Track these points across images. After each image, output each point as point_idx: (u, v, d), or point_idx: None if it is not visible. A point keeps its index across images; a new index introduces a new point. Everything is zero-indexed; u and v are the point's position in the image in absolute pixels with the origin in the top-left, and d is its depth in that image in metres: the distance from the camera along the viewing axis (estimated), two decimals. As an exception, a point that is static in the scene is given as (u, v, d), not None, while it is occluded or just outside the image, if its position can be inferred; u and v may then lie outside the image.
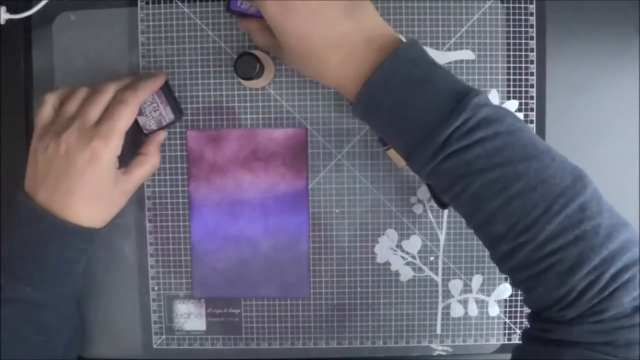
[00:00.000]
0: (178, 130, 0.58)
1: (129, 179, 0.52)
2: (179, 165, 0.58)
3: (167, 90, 0.55)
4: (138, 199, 0.58)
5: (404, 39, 0.44)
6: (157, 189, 0.59)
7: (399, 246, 0.59)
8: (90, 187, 0.49)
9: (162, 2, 0.57)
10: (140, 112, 0.54)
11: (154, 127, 0.55)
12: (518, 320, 0.59)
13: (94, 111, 0.49)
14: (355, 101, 0.43)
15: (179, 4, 0.57)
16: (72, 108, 0.50)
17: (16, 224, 0.50)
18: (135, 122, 0.54)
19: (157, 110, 0.54)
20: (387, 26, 0.45)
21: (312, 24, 0.43)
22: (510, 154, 0.38)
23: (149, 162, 0.54)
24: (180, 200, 0.58)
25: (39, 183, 0.49)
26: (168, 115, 0.55)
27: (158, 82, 0.53)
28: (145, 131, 0.55)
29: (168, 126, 0.56)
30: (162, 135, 0.56)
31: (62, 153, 0.48)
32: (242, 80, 0.55)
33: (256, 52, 0.53)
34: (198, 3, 0.57)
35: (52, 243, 0.49)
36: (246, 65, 0.50)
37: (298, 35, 0.43)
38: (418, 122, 0.40)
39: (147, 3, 0.57)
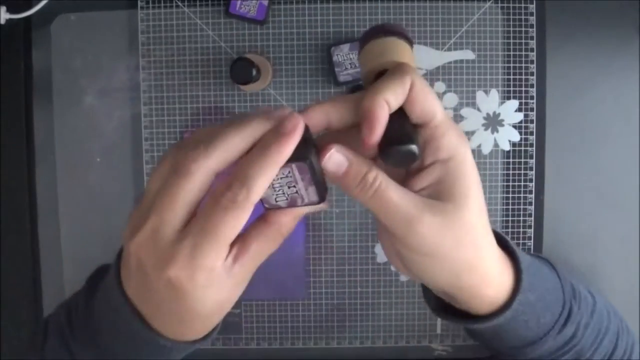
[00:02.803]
0: (178, 130, 0.58)
1: (243, 268, 0.33)
2: (179, 165, 0.58)
3: (313, 163, 0.32)
4: (137, 200, 0.58)
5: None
6: (157, 189, 0.59)
7: (398, 246, 0.59)
8: (179, 314, 0.33)
9: (162, 2, 0.57)
10: None
11: (282, 204, 0.34)
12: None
13: (173, 210, 0.30)
14: (507, 311, 0.37)
15: (179, 4, 0.57)
16: (151, 194, 0.32)
17: (104, 313, 0.38)
18: None
19: (294, 186, 0.34)
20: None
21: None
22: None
23: (275, 235, 0.34)
24: (180, 201, 0.58)
25: (125, 282, 0.35)
26: (309, 196, 0.34)
27: (286, 149, 0.31)
28: (267, 205, 0.34)
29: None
30: (304, 210, 0.34)
31: (134, 266, 0.32)
32: (239, 85, 0.55)
33: (251, 56, 0.52)
34: (198, 3, 0.57)
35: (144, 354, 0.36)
36: (242, 70, 0.50)
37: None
38: (553, 311, 0.41)
39: (147, 3, 0.57)
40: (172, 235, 0.30)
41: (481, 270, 0.34)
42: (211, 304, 0.33)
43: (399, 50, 0.34)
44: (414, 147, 0.31)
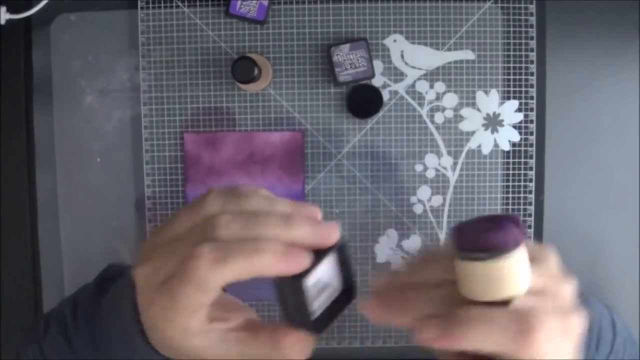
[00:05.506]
0: (178, 130, 0.58)
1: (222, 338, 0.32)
2: (178, 165, 0.58)
3: (341, 254, 0.30)
4: (137, 200, 0.58)
5: None
6: (156, 189, 0.59)
7: (399, 246, 0.59)
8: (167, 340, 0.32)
9: (162, 2, 0.57)
10: None
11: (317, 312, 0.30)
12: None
13: (166, 264, 0.30)
14: None
15: (179, 4, 0.57)
16: (172, 231, 0.31)
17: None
18: None
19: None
20: None
21: None
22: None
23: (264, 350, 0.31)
24: (180, 201, 0.58)
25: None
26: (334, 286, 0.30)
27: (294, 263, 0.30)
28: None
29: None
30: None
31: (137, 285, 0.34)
32: (239, 84, 0.55)
33: (253, 56, 0.52)
34: (198, 3, 0.57)
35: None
36: (244, 69, 0.50)
37: None
38: None
39: (147, 3, 0.57)
40: (158, 284, 0.30)
41: None
42: (193, 350, 0.31)
43: (507, 280, 0.27)
44: None
